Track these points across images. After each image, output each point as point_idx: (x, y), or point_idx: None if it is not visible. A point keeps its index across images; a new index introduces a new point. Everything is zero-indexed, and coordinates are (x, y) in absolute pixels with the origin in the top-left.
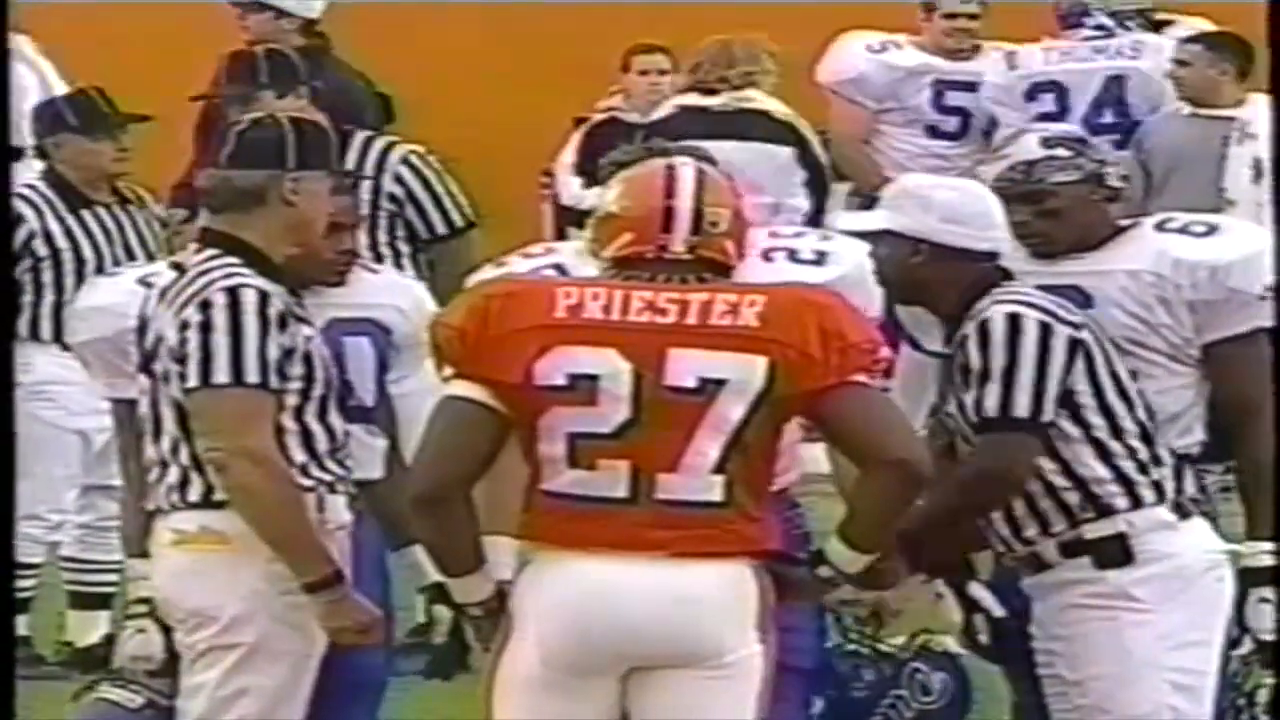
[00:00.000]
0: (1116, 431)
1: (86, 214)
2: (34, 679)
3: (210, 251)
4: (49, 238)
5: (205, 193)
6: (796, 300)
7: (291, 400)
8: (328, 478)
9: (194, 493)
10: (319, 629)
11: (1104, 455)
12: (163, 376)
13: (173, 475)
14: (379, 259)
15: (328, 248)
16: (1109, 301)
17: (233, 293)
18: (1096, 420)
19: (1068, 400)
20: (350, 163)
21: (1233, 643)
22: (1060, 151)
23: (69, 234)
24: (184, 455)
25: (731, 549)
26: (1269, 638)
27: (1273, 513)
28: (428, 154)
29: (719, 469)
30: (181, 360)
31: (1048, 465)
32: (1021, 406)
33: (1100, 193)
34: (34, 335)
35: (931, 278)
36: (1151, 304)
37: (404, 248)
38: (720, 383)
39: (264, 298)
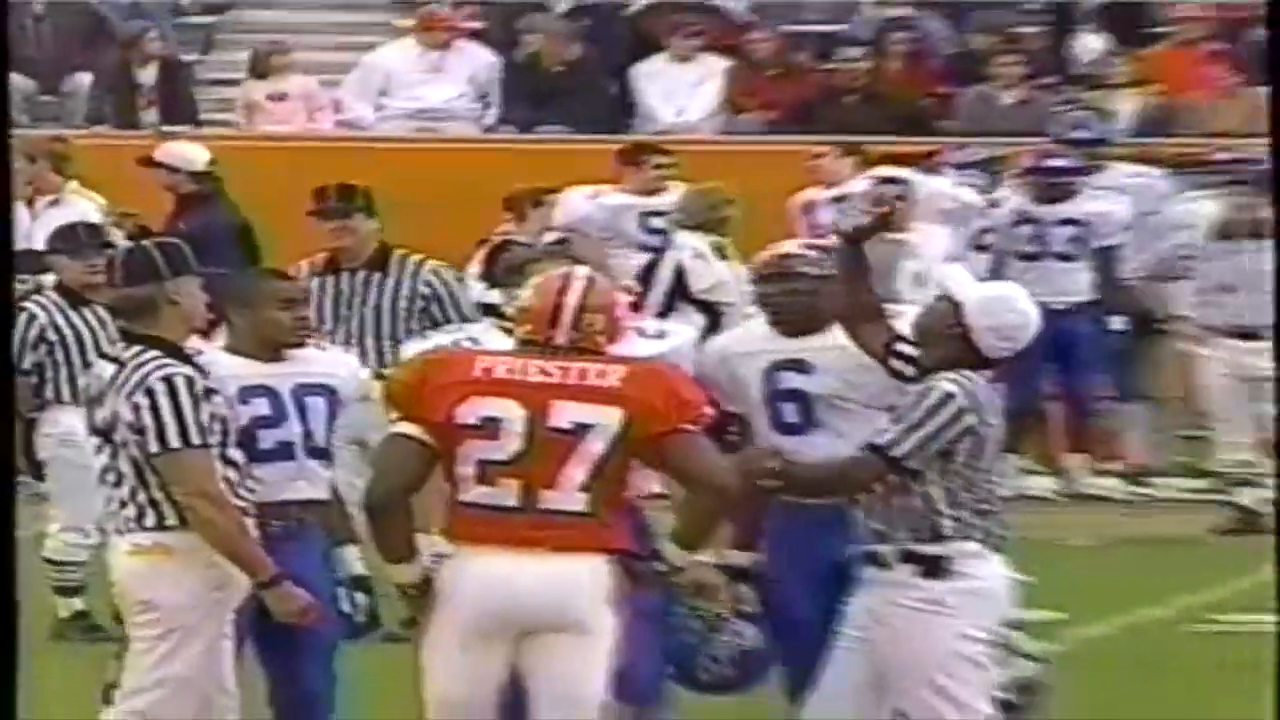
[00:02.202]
0: (969, 485)
1: (85, 310)
2: (101, 640)
3: (136, 348)
4: (57, 328)
5: (114, 306)
6: (649, 369)
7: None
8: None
9: (149, 521)
10: (229, 619)
11: (952, 500)
12: (121, 443)
13: (131, 510)
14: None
15: (287, 319)
16: (825, 369)
17: (168, 380)
18: (958, 474)
19: (946, 457)
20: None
21: None
22: (811, 254)
23: (71, 324)
24: (141, 497)
25: (594, 546)
26: None
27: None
28: None
29: (585, 488)
30: (140, 432)
31: (916, 492)
32: (901, 449)
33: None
34: (57, 398)
35: (948, 350)
36: (854, 369)
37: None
38: (588, 426)
39: (190, 381)
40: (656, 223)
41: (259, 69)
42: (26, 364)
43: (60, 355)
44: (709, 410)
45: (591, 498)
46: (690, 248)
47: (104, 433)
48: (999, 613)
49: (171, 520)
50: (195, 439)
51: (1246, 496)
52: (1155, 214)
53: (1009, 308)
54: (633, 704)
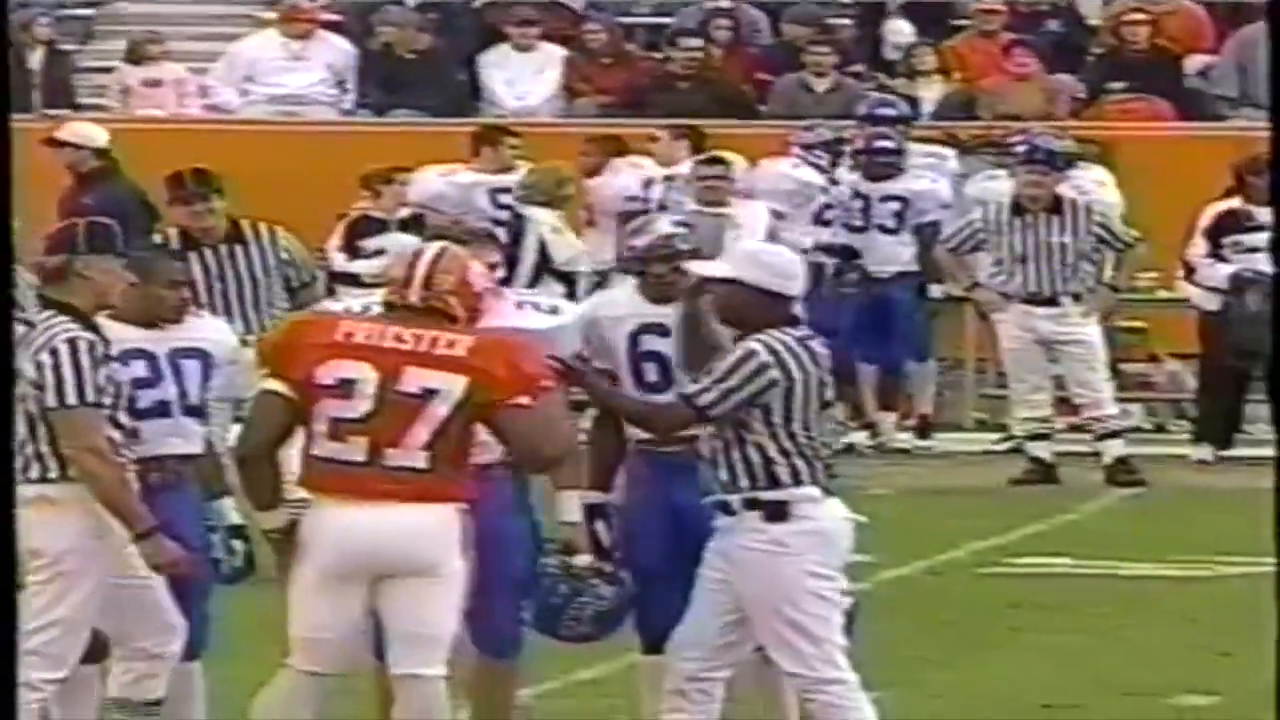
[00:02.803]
0: (792, 436)
1: None
2: None
3: (49, 312)
4: None
5: (37, 270)
6: (494, 341)
7: (106, 414)
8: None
9: (34, 473)
10: (110, 562)
11: (781, 449)
12: (20, 397)
13: (18, 462)
14: None
15: (172, 298)
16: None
17: (71, 342)
18: (779, 427)
19: (764, 410)
20: None
21: None
22: (684, 230)
23: None
24: (28, 450)
25: (435, 499)
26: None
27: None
28: None
29: (427, 447)
30: (41, 387)
31: (750, 444)
32: (705, 399)
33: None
34: None
35: (751, 315)
36: None
37: None
38: (434, 391)
39: (91, 345)
40: (506, 199)
41: (134, 56)
42: None
43: None
44: (548, 383)
45: (432, 456)
46: (547, 223)
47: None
48: (840, 551)
49: (53, 473)
50: (90, 398)
51: (1040, 449)
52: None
53: (768, 252)
54: (491, 653)
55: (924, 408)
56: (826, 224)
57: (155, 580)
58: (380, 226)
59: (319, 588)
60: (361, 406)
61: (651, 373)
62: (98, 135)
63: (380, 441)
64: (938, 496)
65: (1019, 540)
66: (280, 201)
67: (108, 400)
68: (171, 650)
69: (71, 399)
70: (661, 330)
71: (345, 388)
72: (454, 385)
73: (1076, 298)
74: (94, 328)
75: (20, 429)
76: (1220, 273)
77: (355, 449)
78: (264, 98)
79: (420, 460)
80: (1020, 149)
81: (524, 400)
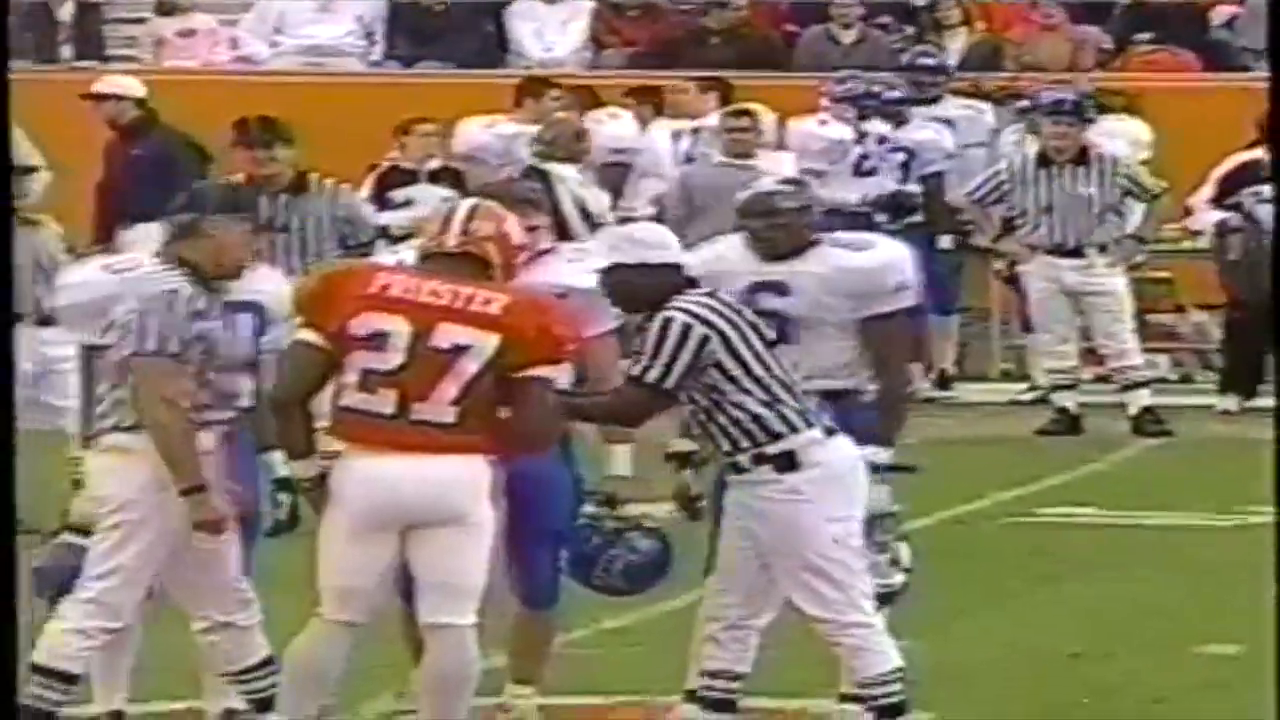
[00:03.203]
0: (761, 384)
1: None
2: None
3: (166, 266)
4: None
5: (166, 226)
6: (530, 301)
7: (192, 368)
8: (201, 418)
9: (110, 420)
10: (175, 515)
11: (762, 401)
12: (111, 344)
13: (100, 409)
14: None
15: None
16: (801, 292)
17: (168, 294)
18: (746, 380)
19: (719, 368)
20: None
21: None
22: (788, 188)
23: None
24: (109, 398)
25: (462, 452)
26: (882, 509)
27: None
28: None
29: (455, 403)
30: (127, 334)
31: (730, 406)
32: (651, 375)
33: (807, 218)
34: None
35: (650, 289)
36: (825, 293)
37: None
38: (466, 348)
39: (189, 299)
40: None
41: (165, 8)
42: None
43: None
44: (573, 348)
45: (459, 411)
46: (574, 178)
47: (104, 330)
48: (856, 490)
49: (129, 421)
50: (170, 349)
51: (1066, 400)
52: (985, 145)
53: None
54: (529, 604)
55: (943, 362)
56: (869, 174)
57: (226, 549)
58: (409, 178)
59: (349, 538)
60: (393, 360)
61: (769, 331)
62: (135, 86)
63: (409, 395)
64: (963, 447)
65: (1045, 490)
66: (309, 153)
67: (195, 356)
68: (251, 621)
69: (150, 346)
70: (779, 289)
71: (378, 340)
72: (486, 343)
73: (1102, 249)
74: (205, 285)
75: (109, 376)
76: (1208, 218)
77: (384, 401)
78: (293, 49)
79: (448, 415)
80: (1045, 99)
81: (542, 371)
